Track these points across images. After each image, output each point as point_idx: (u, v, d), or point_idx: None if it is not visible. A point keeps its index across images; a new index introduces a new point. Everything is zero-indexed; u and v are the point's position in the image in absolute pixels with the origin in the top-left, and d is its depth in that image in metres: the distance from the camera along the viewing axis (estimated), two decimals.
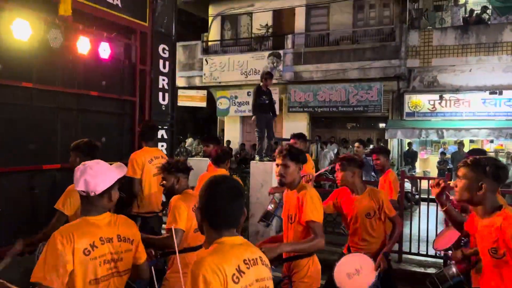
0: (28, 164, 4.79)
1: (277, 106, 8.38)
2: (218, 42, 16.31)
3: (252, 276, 1.70)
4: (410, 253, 6.01)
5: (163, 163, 3.46)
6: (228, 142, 16.13)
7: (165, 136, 7.04)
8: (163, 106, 6.97)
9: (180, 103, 16.52)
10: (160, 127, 6.82)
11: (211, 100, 16.70)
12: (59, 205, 3.32)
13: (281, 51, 14.42)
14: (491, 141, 13.68)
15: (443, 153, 12.94)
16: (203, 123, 20.59)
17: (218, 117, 17.16)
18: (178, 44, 16.16)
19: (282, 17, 15.24)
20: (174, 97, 7.38)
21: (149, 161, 4.51)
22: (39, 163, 4.99)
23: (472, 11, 13.57)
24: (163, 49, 6.94)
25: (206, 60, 15.57)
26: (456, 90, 13.08)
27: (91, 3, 5.62)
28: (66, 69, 5.49)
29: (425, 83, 13.70)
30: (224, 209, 1.74)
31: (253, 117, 7.66)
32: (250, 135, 15.84)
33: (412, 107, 13.70)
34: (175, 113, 7.35)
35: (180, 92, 16.45)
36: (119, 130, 6.27)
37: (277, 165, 3.02)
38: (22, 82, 4.99)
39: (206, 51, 16.14)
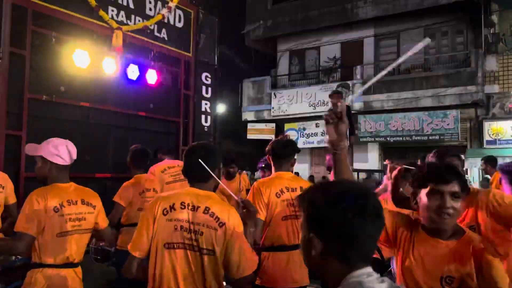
0: (83, 172, 5.34)
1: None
2: (286, 76, 16.69)
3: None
4: None
5: None
6: (297, 174, 16.07)
7: None
8: (205, 127, 7.69)
9: (250, 136, 16.92)
10: None
11: (279, 134, 16.91)
12: (116, 198, 4.00)
13: (349, 82, 14.41)
14: None
15: None
16: None
17: None
18: (248, 80, 16.84)
19: (350, 49, 15.34)
20: (216, 120, 8.23)
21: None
22: (93, 172, 5.75)
23: None
24: (206, 76, 7.70)
25: (274, 94, 15.93)
26: None
27: (140, 36, 6.47)
28: (118, 92, 6.26)
29: (506, 109, 12.93)
30: None
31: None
32: (319, 167, 15.70)
33: (493, 134, 12.92)
34: (217, 134, 7.86)
35: (249, 125, 16.89)
36: (165, 148, 6.83)
37: None
38: (80, 102, 5.78)
39: (275, 85, 16.54)
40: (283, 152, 3.06)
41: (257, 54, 18.33)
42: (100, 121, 6.12)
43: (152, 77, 6.50)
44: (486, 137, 12.99)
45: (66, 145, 2.66)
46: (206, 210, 2.06)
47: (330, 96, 7.92)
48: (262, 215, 2.86)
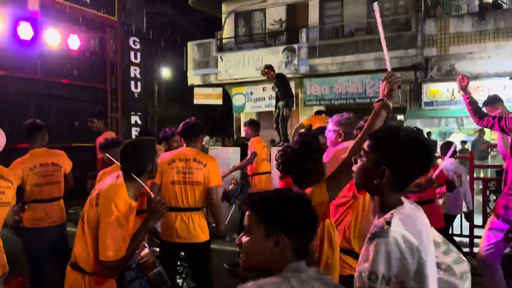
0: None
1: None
2: (233, 39, 16.38)
3: None
4: None
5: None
6: (244, 138, 16.16)
7: (139, 122, 7.61)
8: (136, 93, 7.56)
9: (197, 101, 16.64)
10: (133, 113, 7.47)
11: (227, 99, 16.75)
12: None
13: (295, 45, 14.41)
14: None
15: (463, 142, 12.73)
16: (219, 122, 20.67)
17: (234, 115, 17.20)
18: (193, 42, 16.35)
19: (296, 12, 15.23)
20: (147, 86, 8.02)
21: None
22: (14, 143, 5.32)
23: None
24: (134, 41, 7.49)
25: (221, 57, 15.64)
26: (475, 77, 12.86)
27: None
28: (38, 59, 5.98)
29: (443, 71, 13.54)
30: None
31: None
32: (267, 131, 15.81)
33: (430, 96, 13.54)
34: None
35: (196, 90, 16.58)
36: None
37: None
38: None
39: (221, 48, 16.21)
40: (191, 131, 3.61)
41: (202, 15, 17.79)
42: (19, 89, 5.87)
43: (74, 42, 6.24)
44: (424, 99, 13.60)
45: None
46: (98, 193, 2.48)
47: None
48: (158, 179, 3.47)
